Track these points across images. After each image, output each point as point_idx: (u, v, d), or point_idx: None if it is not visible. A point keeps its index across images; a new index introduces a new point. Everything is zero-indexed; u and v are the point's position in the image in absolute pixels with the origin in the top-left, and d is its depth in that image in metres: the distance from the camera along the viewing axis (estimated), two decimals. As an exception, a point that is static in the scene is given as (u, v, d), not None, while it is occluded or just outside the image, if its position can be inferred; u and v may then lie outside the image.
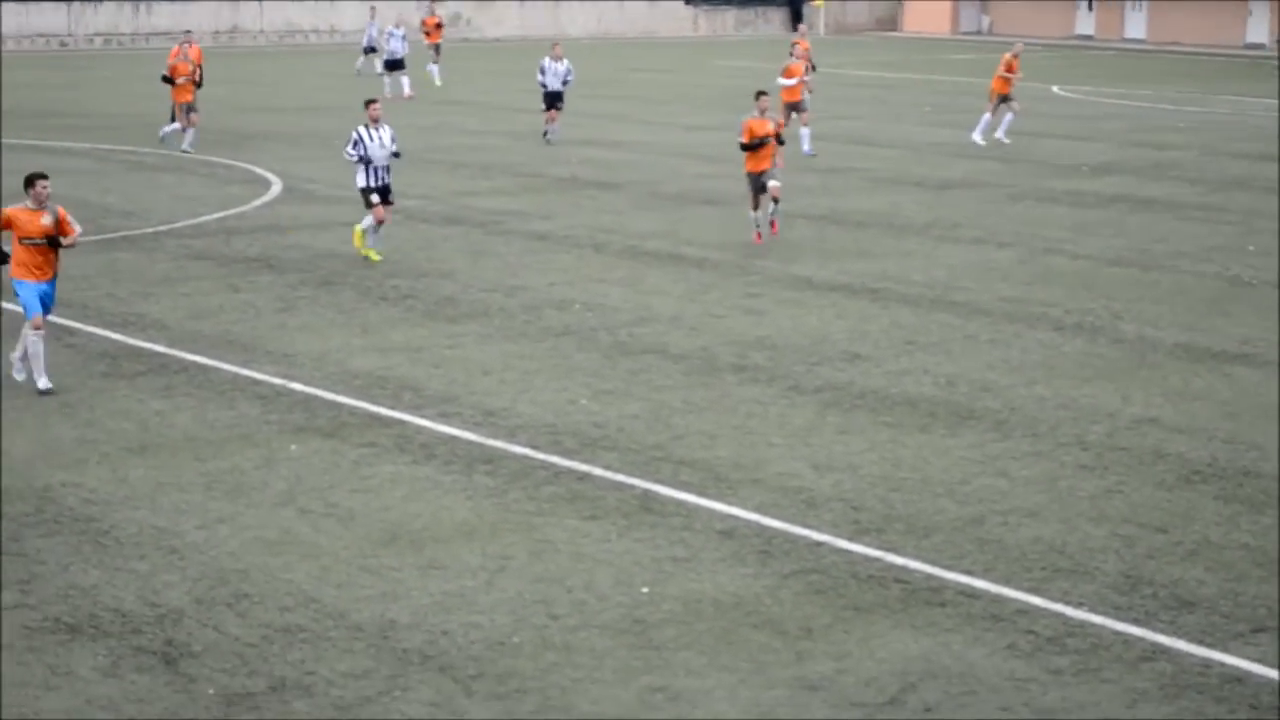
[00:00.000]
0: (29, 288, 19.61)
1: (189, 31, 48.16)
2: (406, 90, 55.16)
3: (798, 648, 13.05)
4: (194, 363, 21.25)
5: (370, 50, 62.01)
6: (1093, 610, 13.79)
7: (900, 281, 26.69)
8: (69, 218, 19.67)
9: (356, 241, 27.89)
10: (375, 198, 27.31)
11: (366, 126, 27.27)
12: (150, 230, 30.47)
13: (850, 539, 15.37)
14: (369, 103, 27.73)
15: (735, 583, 14.35)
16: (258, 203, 33.85)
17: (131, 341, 22.24)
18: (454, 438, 18.32)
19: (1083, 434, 18.73)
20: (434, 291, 25.66)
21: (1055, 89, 62.58)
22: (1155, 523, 15.91)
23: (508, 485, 16.80)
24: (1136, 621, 13.59)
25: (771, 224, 29.71)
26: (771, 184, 28.92)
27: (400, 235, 30.25)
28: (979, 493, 16.71)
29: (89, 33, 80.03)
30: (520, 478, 17.03)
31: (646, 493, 16.59)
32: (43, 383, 19.68)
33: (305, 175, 37.44)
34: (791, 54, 42.53)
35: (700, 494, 16.54)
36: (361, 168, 27.31)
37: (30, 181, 19.68)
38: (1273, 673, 12.72)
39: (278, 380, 20.49)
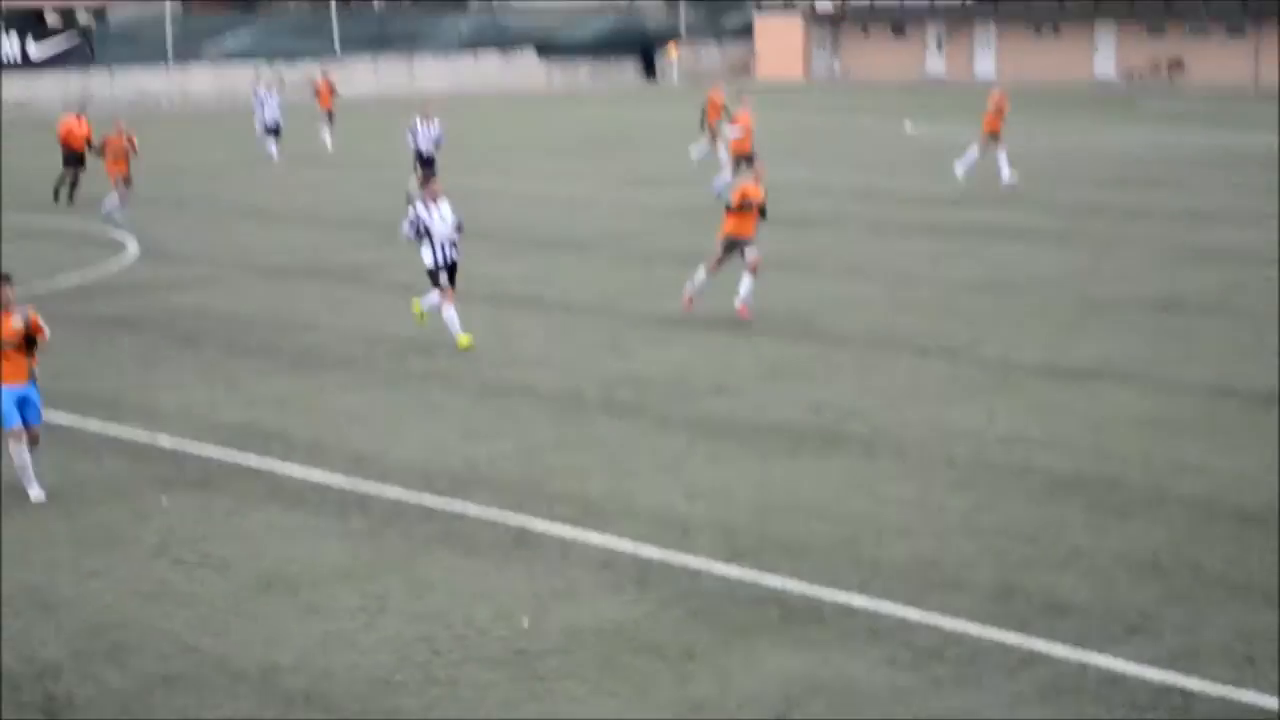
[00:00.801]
0: (5, 394, 17.82)
1: (83, 105, 47.40)
2: (274, 154, 54.61)
3: (680, 670, 13.15)
4: (57, 423, 21.02)
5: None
6: (970, 620, 14.00)
7: (764, 316, 26.81)
8: (39, 319, 18.08)
9: (416, 312, 25.86)
10: (444, 278, 25.41)
11: (424, 202, 25.38)
12: (7, 296, 30.17)
13: (726, 563, 15.50)
14: (427, 179, 26.42)
15: (615, 611, 14.44)
16: (115, 265, 33.61)
17: (-7, 405, 22.02)
18: (325, 484, 18.30)
19: (950, 453, 18.98)
20: (298, 342, 25.62)
21: (907, 125, 63.20)
22: (1026, 534, 16.15)
23: (382, 527, 16.80)
24: (1014, 629, 13.81)
25: (742, 308, 26.73)
26: (752, 255, 26.64)
27: (260, 290, 30.19)
28: (851, 513, 16.90)
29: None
30: (394, 519, 17.04)
31: (522, 528, 16.64)
32: (35, 492, 18.02)
33: (160, 237, 37.19)
34: (740, 103, 41.82)
35: (575, 526, 16.62)
36: (427, 246, 25.28)
37: None
38: (1148, 671, 12.98)
39: (144, 435, 20.37)
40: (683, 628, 14.03)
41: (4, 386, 17.88)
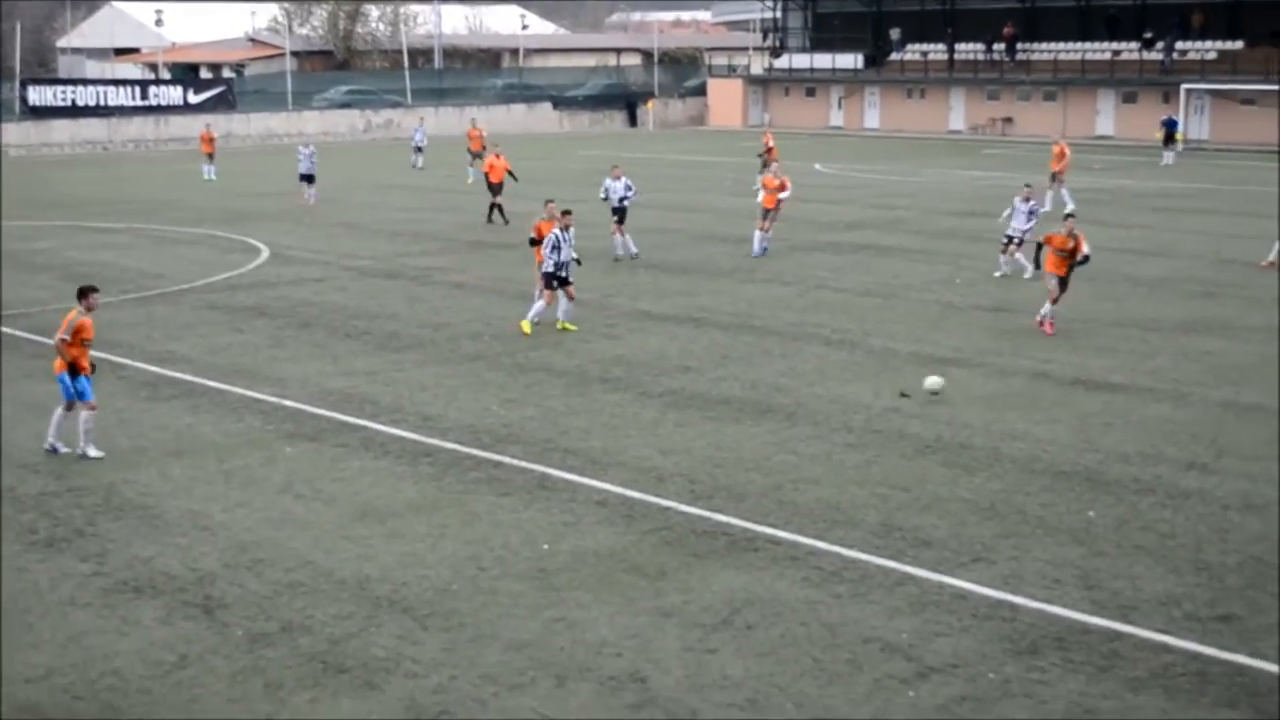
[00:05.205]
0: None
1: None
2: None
3: (656, 585, 13.17)
4: (212, 388, 21.02)
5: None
6: (861, 550, 14.01)
7: (714, 312, 26.79)
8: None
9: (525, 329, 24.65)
10: (554, 284, 24.60)
11: (561, 228, 24.39)
12: (174, 289, 30.06)
13: (689, 504, 15.49)
14: (564, 211, 24.60)
15: (609, 539, 14.45)
16: (251, 265, 33.39)
17: (166, 372, 21.95)
18: (402, 438, 18.25)
19: (848, 421, 18.95)
20: (382, 329, 25.48)
21: (817, 166, 62.91)
22: (901, 484, 16.16)
23: (443, 472, 16.78)
24: (891, 557, 13.83)
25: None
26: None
27: (355, 287, 30.05)
28: (777, 466, 16.89)
29: (123, 139, 78.54)
30: (452, 466, 17.01)
31: (543, 475, 16.62)
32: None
33: (284, 243, 36.77)
34: (766, 166, 36.02)
35: (581, 474, 16.59)
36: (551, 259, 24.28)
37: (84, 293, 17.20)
38: (987, 590, 13.03)
39: (273, 399, 20.30)
40: (658, 553, 14.04)
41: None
